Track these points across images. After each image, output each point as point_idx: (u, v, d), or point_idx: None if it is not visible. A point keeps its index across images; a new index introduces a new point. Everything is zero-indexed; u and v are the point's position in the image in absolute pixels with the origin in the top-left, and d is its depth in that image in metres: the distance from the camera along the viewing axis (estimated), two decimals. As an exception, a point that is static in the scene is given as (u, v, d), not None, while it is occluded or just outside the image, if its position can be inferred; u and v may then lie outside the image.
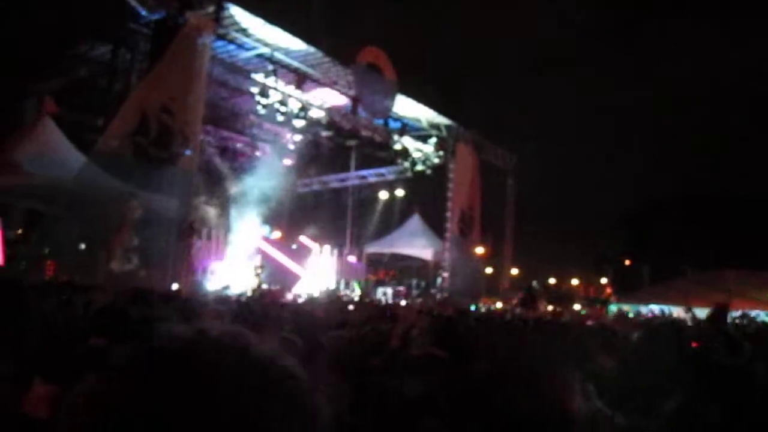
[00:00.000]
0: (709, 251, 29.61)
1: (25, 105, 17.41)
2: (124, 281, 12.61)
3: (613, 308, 26.72)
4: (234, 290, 14.48)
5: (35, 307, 1.59)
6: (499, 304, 21.38)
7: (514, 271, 29.74)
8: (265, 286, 16.87)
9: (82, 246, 13.61)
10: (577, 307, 25.46)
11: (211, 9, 15.83)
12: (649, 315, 19.73)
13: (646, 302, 27.17)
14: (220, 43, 17.11)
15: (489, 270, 27.74)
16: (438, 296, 22.55)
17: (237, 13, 16.62)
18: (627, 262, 39.58)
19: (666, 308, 22.04)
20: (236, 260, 20.18)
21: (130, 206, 13.43)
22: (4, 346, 1.50)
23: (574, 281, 37.66)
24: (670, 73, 41.15)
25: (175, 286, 13.42)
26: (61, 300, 6.27)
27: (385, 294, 22.61)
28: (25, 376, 1.91)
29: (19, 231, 15.28)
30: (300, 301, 14.23)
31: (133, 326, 3.82)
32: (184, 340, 0.75)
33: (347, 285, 23.94)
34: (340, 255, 25.37)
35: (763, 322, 16.78)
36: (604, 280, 38.67)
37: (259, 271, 19.09)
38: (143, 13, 15.14)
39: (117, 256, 13.31)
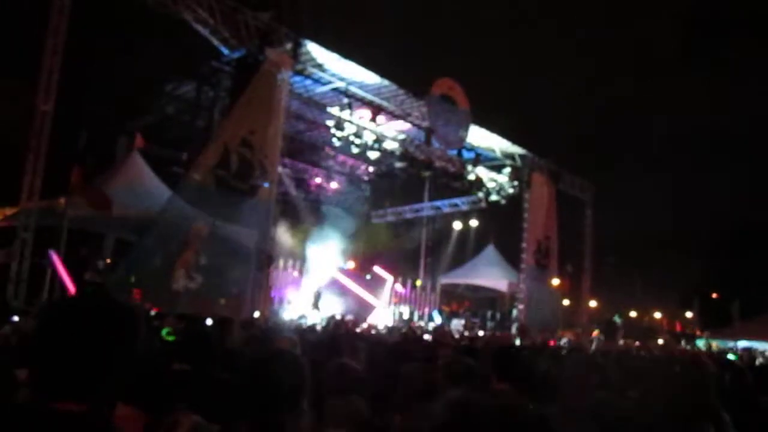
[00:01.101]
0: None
1: (118, 141, 18.42)
2: (193, 299, 13.05)
3: (701, 343, 25.51)
4: (309, 320, 14.70)
5: (141, 335, 1.68)
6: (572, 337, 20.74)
7: (593, 304, 28.86)
8: (338, 317, 16.99)
9: (164, 275, 14.16)
10: (660, 342, 24.42)
11: (288, 46, 16.36)
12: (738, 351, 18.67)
13: (736, 338, 25.80)
14: (297, 78, 17.63)
15: (566, 302, 27.00)
16: (513, 328, 22.13)
17: (313, 49, 17.12)
18: (714, 296, 37.75)
19: (758, 344, 20.86)
20: (312, 290, 20.48)
21: (195, 227, 13.87)
22: (118, 373, 1.60)
23: (657, 315, 36.18)
24: (759, 88, 39.33)
25: (256, 314, 13.74)
26: (150, 327, 6.53)
27: (457, 327, 22.37)
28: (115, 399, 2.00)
29: (108, 260, 16.07)
30: (374, 331, 14.27)
31: (214, 352, 3.94)
32: None
33: (421, 316, 23.88)
34: (414, 286, 25.34)
35: None
36: (689, 314, 36.98)
37: (318, 299, 19.32)
38: (225, 51, 15.79)
39: (179, 275, 13.73)
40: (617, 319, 24.97)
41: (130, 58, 15.96)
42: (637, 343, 18.50)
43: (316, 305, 19.41)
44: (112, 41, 15.45)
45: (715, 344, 24.18)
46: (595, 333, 19.03)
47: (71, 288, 12.50)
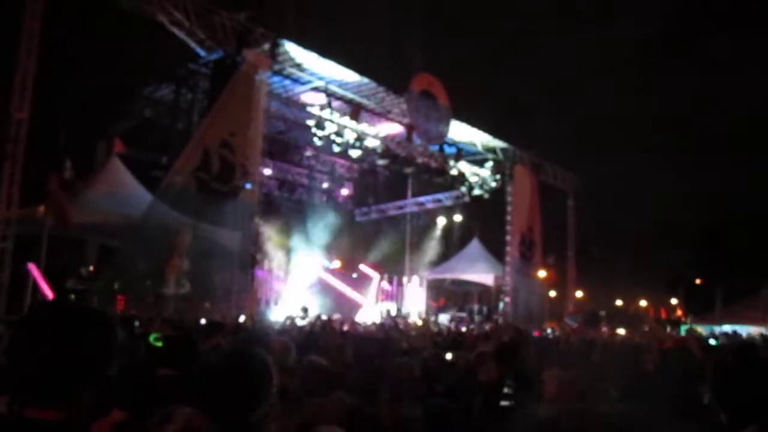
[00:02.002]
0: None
1: (97, 146, 18.25)
2: (181, 305, 13.00)
3: (684, 329, 25.78)
4: (297, 320, 14.66)
5: (121, 341, 1.68)
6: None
7: (579, 294, 29.05)
8: (325, 316, 16.97)
9: (149, 282, 14.08)
10: (646, 329, 24.65)
11: (266, 46, 16.30)
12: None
13: (720, 323, 26.11)
14: (276, 78, 17.57)
15: (553, 293, 27.17)
16: (499, 321, 22.22)
17: (291, 48, 17.06)
18: (698, 281, 38.14)
19: (740, 328, 21.12)
20: (297, 290, 20.45)
21: (179, 232, 13.82)
22: (96, 379, 1.60)
23: (643, 302, 36.50)
24: (739, 82, 39.76)
25: (242, 318, 13.69)
26: (132, 332, 6.48)
27: (443, 321, 22.42)
28: (103, 405, 1.99)
29: (91, 268, 15.92)
30: (361, 329, 14.26)
31: (199, 356, 3.93)
32: None
33: (408, 312, 23.91)
34: (400, 282, 25.38)
35: None
36: (674, 301, 37.35)
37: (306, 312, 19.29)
38: (202, 53, 15.70)
39: (170, 281, 13.68)
40: (602, 314, 25.20)
41: (107, 62, 15.84)
42: (622, 330, 18.65)
43: (305, 315, 19.45)
44: (88, 45, 15.30)
45: (700, 329, 24.42)
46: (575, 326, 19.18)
47: (51, 297, 12.37)
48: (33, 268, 12.52)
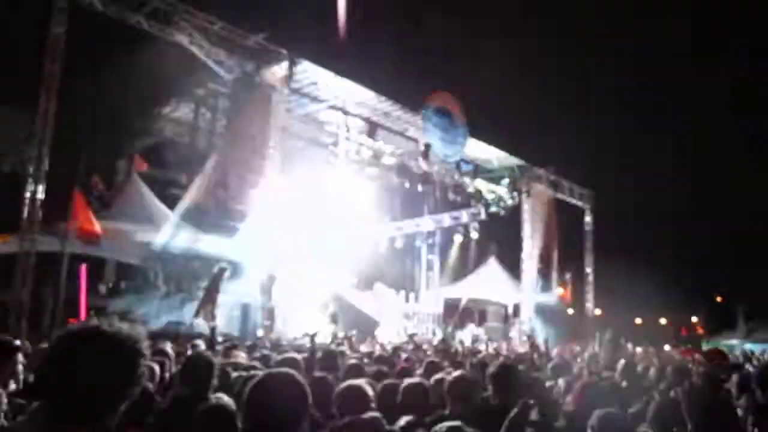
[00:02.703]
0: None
1: (118, 165, 18.51)
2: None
3: (705, 347, 25.43)
4: (314, 338, 14.64)
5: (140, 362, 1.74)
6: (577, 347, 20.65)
7: (597, 312, 28.77)
8: (341, 334, 16.94)
9: (168, 301, 14.17)
10: (666, 347, 24.37)
11: (284, 65, 16.48)
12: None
13: (741, 341, 25.75)
14: (293, 96, 17.73)
15: (570, 311, 26.94)
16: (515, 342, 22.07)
17: (308, 68, 17.23)
18: (719, 299, 37.67)
19: (763, 347, 20.80)
20: (315, 308, 20.42)
21: (225, 275, 13.81)
22: (124, 400, 1.66)
23: (663, 320, 36.09)
24: (760, 98, 39.41)
25: (260, 333, 13.71)
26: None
27: (462, 340, 22.29)
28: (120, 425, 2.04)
29: (111, 284, 16.09)
30: (378, 347, 14.22)
31: (215, 377, 3.97)
32: None
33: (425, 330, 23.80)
34: (417, 300, 25.29)
35: None
36: (694, 319, 36.89)
37: (333, 317, 19.25)
38: (221, 73, 15.91)
39: (207, 315, 13.73)
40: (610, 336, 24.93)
41: (128, 81, 16.08)
42: (638, 349, 18.43)
43: (334, 322, 19.45)
44: (109, 65, 15.56)
45: (721, 347, 24.09)
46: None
47: (82, 312, 12.42)
48: (83, 272, 12.51)
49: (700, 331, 35.03)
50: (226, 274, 13.65)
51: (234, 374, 4.77)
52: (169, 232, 14.00)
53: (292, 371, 2.41)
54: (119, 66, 15.75)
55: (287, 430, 2.20)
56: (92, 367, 1.61)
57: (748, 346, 24.20)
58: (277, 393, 2.25)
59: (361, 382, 4.01)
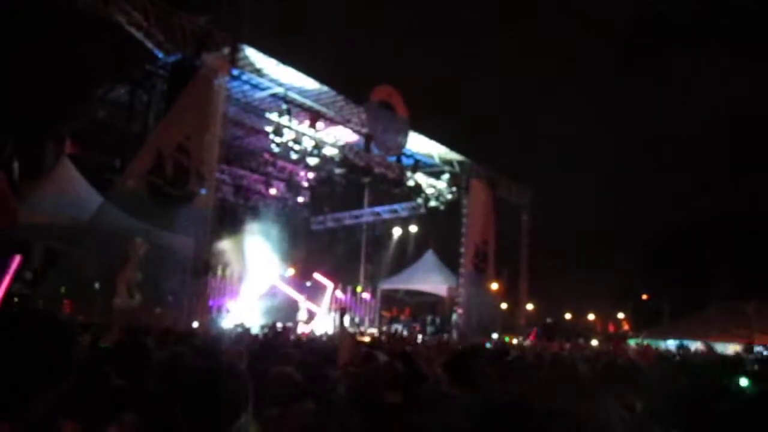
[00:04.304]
0: (733, 282, 29.17)
1: (46, 146, 17.73)
2: (131, 317, 12.67)
3: (632, 343, 26.36)
4: (250, 328, 14.45)
5: (73, 347, 1.62)
6: (515, 341, 21.13)
7: (530, 307, 29.47)
8: (279, 324, 16.80)
9: (97, 285, 13.70)
10: (594, 342, 25.13)
11: (226, 50, 16.13)
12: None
13: (666, 337, 26.81)
14: (235, 83, 17.40)
15: (504, 306, 27.49)
16: (453, 333, 22.38)
17: (251, 54, 16.93)
18: (645, 297, 39.12)
19: (686, 343, 21.70)
20: (251, 298, 20.22)
21: (135, 243, 13.52)
22: (53, 390, 1.53)
23: (591, 316, 37.24)
24: (691, 98, 41.11)
25: (195, 324, 13.45)
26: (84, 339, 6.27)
27: (397, 330, 22.45)
28: (50, 416, 1.92)
29: (37, 270, 15.42)
30: (313, 338, 14.18)
31: (153, 365, 3.84)
32: None
33: (361, 321, 23.88)
34: (354, 292, 25.33)
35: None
36: (621, 315, 38.22)
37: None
38: (160, 55, 15.43)
39: (121, 292, 13.36)
40: (549, 321, 25.57)
41: (60, 60, 15.43)
42: (567, 345, 18.96)
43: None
44: (41, 43, 14.89)
45: (647, 344, 25.01)
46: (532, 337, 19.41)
47: None
48: (15, 262, 11.89)
49: (627, 327, 36.31)
50: (139, 244, 13.36)
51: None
52: (101, 218, 13.51)
53: (234, 363, 2.35)
54: (52, 44, 15.10)
55: (226, 420, 2.13)
56: (16, 351, 1.48)
57: (671, 342, 25.21)
58: (219, 383, 2.19)
59: (290, 369, 3.98)
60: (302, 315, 21.56)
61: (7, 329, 1.52)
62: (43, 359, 1.50)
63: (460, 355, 4.57)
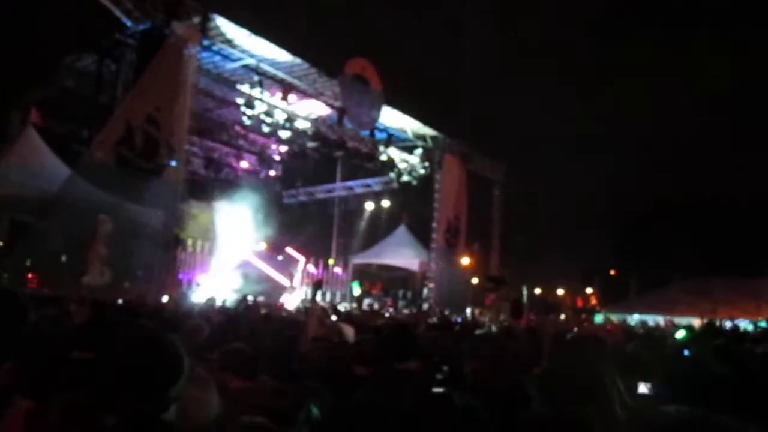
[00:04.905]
0: (697, 260, 29.81)
1: (10, 116, 17.29)
2: (101, 294, 12.53)
3: (599, 318, 26.90)
4: (219, 302, 14.40)
5: (29, 320, 1.61)
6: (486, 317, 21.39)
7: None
8: (251, 298, 16.77)
9: (64, 258, 13.49)
10: (563, 317, 25.57)
11: (197, 20, 15.82)
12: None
13: (632, 312, 27.38)
14: (206, 53, 17.09)
15: (475, 280, 27.76)
16: (424, 307, 22.56)
17: (223, 24, 16.64)
18: (612, 272, 39.80)
19: (651, 317, 22.22)
20: (221, 272, 20.12)
21: (100, 220, 13.33)
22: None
23: (560, 291, 37.81)
24: (654, 79, 41.55)
25: (165, 299, 13.35)
26: (43, 313, 6.18)
27: (371, 305, 22.58)
28: (9, 391, 1.90)
29: (1, 243, 15.15)
30: (284, 313, 14.18)
31: (118, 340, 3.80)
32: None
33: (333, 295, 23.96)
34: (326, 266, 25.35)
35: (745, 330, 16.99)
36: (589, 290, 38.88)
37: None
38: (129, 24, 15.10)
39: (91, 270, 13.21)
40: (524, 296, 25.84)
41: (24, 26, 15.00)
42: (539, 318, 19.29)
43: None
44: (6, 8, 14.46)
45: (614, 318, 25.54)
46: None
47: None
48: None
49: (594, 302, 36.98)
50: (104, 221, 13.23)
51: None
52: (67, 189, 13.26)
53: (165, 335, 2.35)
54: (17, 10, 14.67)
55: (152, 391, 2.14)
56: None
57: (636, 317, 25.76)
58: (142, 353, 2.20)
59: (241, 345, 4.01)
60: (276, 289, 21.55)
61: None
62: None
63: (400, 328, 4.57)
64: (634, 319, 25.14)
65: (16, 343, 1.56)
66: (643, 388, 3.29)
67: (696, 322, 20.63)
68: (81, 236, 13.19)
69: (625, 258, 38.13)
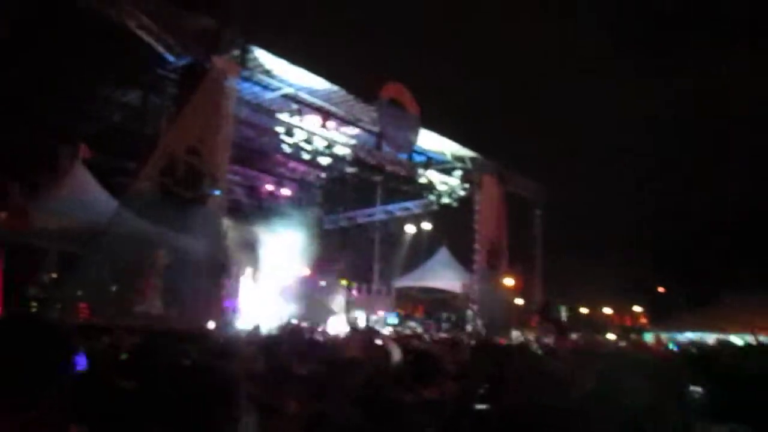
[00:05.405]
0: (749, 275, 28.92)
1: (60, 150, 17.89)
2: (152, 323, 12.77)
3: (649, 336, 26.22)
4: (264, 329, 14.52)
5: (74, 351, 1.69)
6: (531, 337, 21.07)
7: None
8: (294, 323, 16.88)
9: (113, 288, 13.83)
10: (611, 336, 25.03)
11: (236, 52, 16.21)
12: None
13: (683, 330, 26.60)
14: (245, 84, 17.47)
15: (519, 301, 27.41)
16: (467, 329, 22.36)
17: (261, 55, 17.00)
18: (661, 289, 38.85)
19: (704, 335, 21.57)
20: (265, 298, 20.29)
21: (158, 254, 13.65)
22: (44, 391, 1.58)
23: (607, 310, 37.04)
24: (705, 92, 40.68)
25: (211, 325, 13.54)
26: (95, 342, 6.35)
27: (413, 328, 22.47)
28: (58, 420, 1.96)
29: (53, 274, 15.59)
30: (331, 337, 14.21)
31: (162, 368, 3.87)
32: None
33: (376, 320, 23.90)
34: (369, 290, 25.35)
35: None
36: (638, 309, 37.98)
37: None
38: (171, 59, 15.55)
39: (144, 299, 13.51)
40: (560, 310, 25.42)
41: (73, 65, 15.57)
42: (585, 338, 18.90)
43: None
44: (54, 49, 15.04)
45: (664, 337, 24.86)
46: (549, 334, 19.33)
47: None
48: None
49: (643, 320, 36.09)
50: (161, 255, 13.50)
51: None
52: (115, 221, 13.62)
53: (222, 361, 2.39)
54: (65, 49, 15.25)
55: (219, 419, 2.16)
56: (19, 351, 1.54)
57: (689, 335, 25.03)
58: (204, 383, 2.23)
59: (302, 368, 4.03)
60: (319, 314, 21.62)
61: (6, 332, 1.59)
62: (37, 360, 1.56)
63: (422, 355, 4.55)
64: (685, 337, 24.43)
65: (62, 373, 1.62)
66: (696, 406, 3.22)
67: (751, 339, 19.96)
68: (131, 266, 13.51)
69: (674, 275, 37.21)
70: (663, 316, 32.02)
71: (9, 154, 13.26)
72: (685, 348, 14.73)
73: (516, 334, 21.96)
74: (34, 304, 13.23)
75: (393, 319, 23.96)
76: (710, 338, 19.72)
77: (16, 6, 12.43)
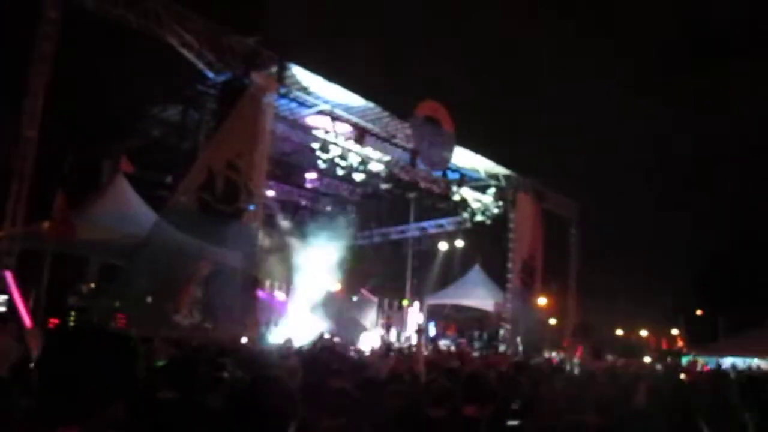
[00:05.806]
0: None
1: (103, 164, 18.35)
2: (189, 334, 12.95)
3: (686, 360, 25.65)
4: (296, 343, 14.61)
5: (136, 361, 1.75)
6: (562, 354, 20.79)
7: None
8: (326, 338, 16.94)
9: (149, 299, 14.06)
10: (647, 359, 24.55)
11: (274, 69, 16.48)
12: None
13: (723, 354, 25.95)
14: (282, 100, 17.74)
15: (553, 321, 27.07)
16: (500, 348, 22.15)
17: (298, 72, 17.24)
18: (699, 312, 37.99)
19: (742, 360, 21.01)
20: (298, 312, 20.41)
21: (201, 264, 13.87)
22: (116, 398, 1.65)
23: (644, 332, 36.32)
24: (741, 112, 39.95)
25: (244, 339, 13.67)
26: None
27: (448, 347, 22.34)
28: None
29: (92, 285, 15.93)
30: (364, 353, 14.23)
31: (201, 379, 3.95)
32: None
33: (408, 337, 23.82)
34: (401, 307, 25.31)
35: None
36: (675, 331, 37.17)
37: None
38: (210, 75, 15.87)
39: (183, 309, 13.71)
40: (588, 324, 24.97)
41: (116, 81, 15.98)
42: (621, 360, 18.57)
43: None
44: (97, 64, 15.46)
45: (701, 361, 24.32)
46: (579, 353, 19.00)
47: (24, 314, 12.07)
48: (9, 278, 12.08)
49: (681, 343, 35.28)
50: (205, 266, 13.68)
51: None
52: (154, 233, 13.89)
53: (281, 376, 2.40)
54: (107, 65, 15.66)
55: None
56: (89, 363, 1.61)
57: (729, 359, 24.41)
58: (265, 396, 2.24)
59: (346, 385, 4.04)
60: (351, 330, 21.65)
61: (73, 342, 1.66)
62: (108, 371, 1.63)
63: (473, 375, 4.52)
64: (725, 362, 23.81)
65: (129, 383, 1.69)
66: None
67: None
68: (169, 277, 13.74)
69: (712, 297, 36.36)
70: (701, 339, 31.30)
71: (56, 167, 13.61)
72: (734, 372, 14.36)
73: (552, 354, 21.68)
74: (73, 313, 13.53)
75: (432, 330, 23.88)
76: (753, 363, 19.18)
77: (64, 25, 12.80)
